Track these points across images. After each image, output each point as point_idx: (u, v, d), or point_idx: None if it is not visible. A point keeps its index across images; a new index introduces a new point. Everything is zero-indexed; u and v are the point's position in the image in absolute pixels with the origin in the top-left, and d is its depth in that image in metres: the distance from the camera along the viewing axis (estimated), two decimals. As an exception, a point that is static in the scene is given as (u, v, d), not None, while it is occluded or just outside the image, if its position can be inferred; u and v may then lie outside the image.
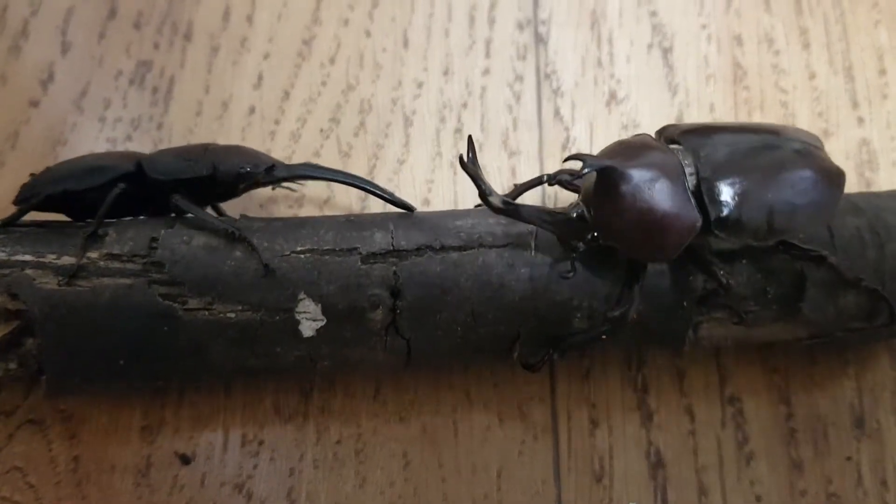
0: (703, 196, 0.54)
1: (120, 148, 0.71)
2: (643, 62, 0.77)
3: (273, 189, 0.66)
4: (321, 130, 0.72)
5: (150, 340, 0.55)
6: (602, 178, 0.54)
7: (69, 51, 0.74)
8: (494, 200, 0.53)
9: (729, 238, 0.55)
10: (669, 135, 0.59)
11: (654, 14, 0.79)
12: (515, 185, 0.63)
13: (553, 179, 0.57)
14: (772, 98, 0.77)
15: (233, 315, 0.55)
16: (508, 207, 0.53)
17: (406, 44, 0.76)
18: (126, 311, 0.54)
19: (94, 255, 0.55)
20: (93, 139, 0.71)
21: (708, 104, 0.76)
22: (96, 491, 0.59)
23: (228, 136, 0.71)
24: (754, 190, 0.55)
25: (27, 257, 0.55)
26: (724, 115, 0.75)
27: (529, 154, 0.73)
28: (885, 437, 0.63)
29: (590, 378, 0.64)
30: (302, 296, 0.55)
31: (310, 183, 0.68)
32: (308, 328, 0.56)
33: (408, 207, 0.61)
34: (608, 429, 0.63)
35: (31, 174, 0.61)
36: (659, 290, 0.57)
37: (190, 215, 0.58)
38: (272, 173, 0.60)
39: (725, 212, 0.54)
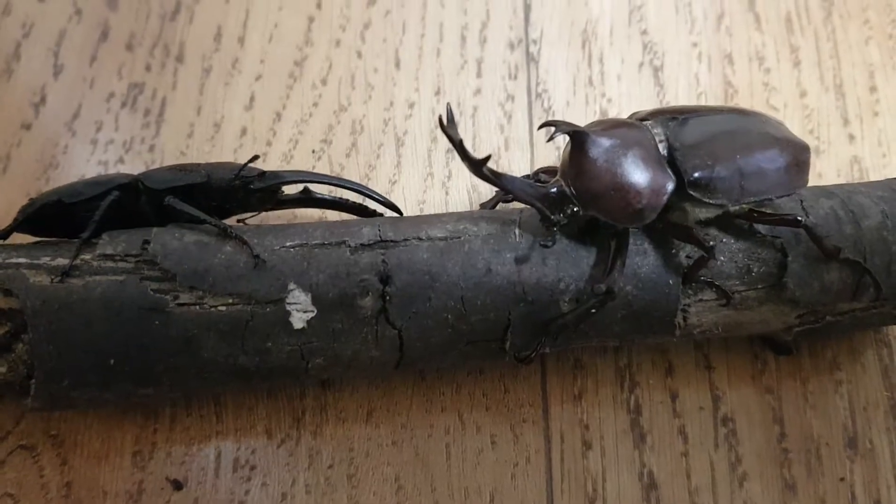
0: (676, 159, 0.57)
1: (112, 170, 0.71)
2: (634, 81, 0.78)
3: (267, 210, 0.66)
4: (313, 151, 0.72)
5: (141, 335, 0.55)
6: (576, 145, 0.56)
7: (61, 73, 0.75)
8: (477, 165, 0.54)
9: (704, 198, 0.57)
10: (638, 116, 0.61)
11: (644, 32, 0.79)
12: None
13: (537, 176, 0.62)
14: (763, 116, 0.77)
15: (223, 308, 0.55)
16: (490, 173, 0.55)
17: (398, 64, 0.77)
18: (118, 304, 0.55)
19: (87, 256, 0.56)
20: (84, 162, 0.71)
21: (699, 122, 0.76)
22: (88, 517, 0.59)
23: (220, 157, 0.71)
24: (723, 153, 0.58)
25: (22, 259, 0.56)
26: (715, 133, 0.76)
27: (521, 174, 0.73)
28: (879, 458, 0.63)
29: (582, 399, 0.64)
30: (292, 286, 0.55)
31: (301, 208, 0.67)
32: (299, 319, 0.56)
33: (396, 210, 0.64)
34: (601, 450, 0.62)
35: (30, 199, 0.61)
36: (644, 269, 0.58)
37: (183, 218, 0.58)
38: (264, 178, 0.61)
39: (698, 173, 0.57)
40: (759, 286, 0.59)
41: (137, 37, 0.76)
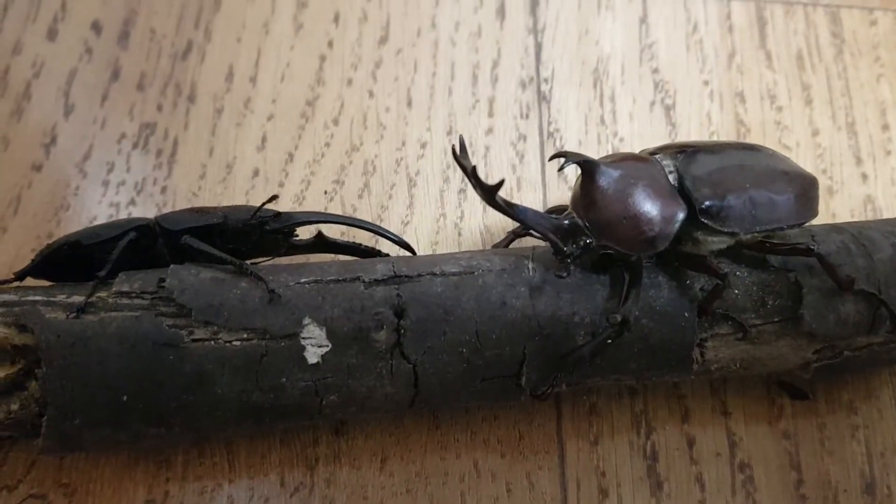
0: (686, 189, 0.57)
1: (123, 212, 0.70)
2: (646, 120, 0.77)
3: (280, 255, 0.65)
4: (325, 192, 0.72)
5: (155, 370, 0.54)
6: (586, 176, 0.57)
7: (72, 113, 0.74)
8: (490, 193, 0.55)
9: (715, 226, 0.57)
10: (648, 151, 0.62)
11: (655, 71, 0.79)
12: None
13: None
14: (775, 155, 0.77)
15: (238, 343, 0.55)
16: (503, 202, 0.55)
17: (409, 103, 0.76)
18: (132, 339, 0.54)
19: (103, 294, 0.56)
20: (96, 203, 0.71)
21: (712, 162, 0.76)
22: (99, 566, 0.58)
23: (233, 199, 0.71)
24: (733, 182, 0.58)
25: (38, 297, 0.56)
26: (728, 172, 0.75)
27: (534, 214, 0.73)
28: (897, 504, 0.63)
29: (598, 445, 0.63)
30: (307, 320, 0.55)
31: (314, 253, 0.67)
32: (313, 354, 0.55)
33: (410, 249, 0.64)
34: (618, 498, 0.62)
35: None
36: (659, 302, 0.58)
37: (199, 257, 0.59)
38: (280, 219, 0.62)
39: (709, 201, 0.57)
40: (776, 319, 0.60)
41: (148, 76, 0.76)
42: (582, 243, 0.56)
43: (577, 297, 0.57)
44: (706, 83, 0.79)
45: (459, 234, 0.72)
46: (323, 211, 0.66)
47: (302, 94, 0.76)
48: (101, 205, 0.71)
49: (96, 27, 0.77)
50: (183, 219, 0.60)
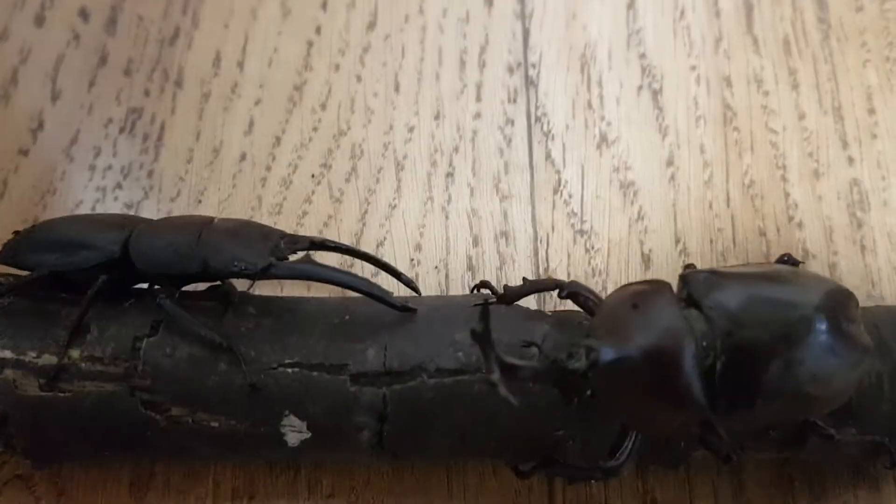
0: (716, 383, 0.49)
1: (109, 196, 0.71)
2: (633, 104, 0.78)
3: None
4: (312, 176, 0.72)
5: (133, 442, 0.55)
6: (605, 366, 0.49)
7: (59, 98, 0.74)
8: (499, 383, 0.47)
9: (735, 423, 0.53)
10: (694, 291, 0.52)
11: (643, 56, 0.80)
12: (525, 280, 0.59)
13: (564, 292, 0.55)
14: (762, 139, 0.77)
15: (216, 424, 0.54)
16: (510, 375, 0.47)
17: (397, 88, 0.77)
18: (108, 417, 0.54)
19: (75, 353, 0.54)
20: (82, 188, 0.71)
21: (698, 145, 0.76)
22: (85, 549, 0.58)
23: (220, 182, 0.71)
24: (772, 384, 0.50)
25: (7, 353, 0.54)
26: (714, 156, 0.75)
27: (521, 197, 0.73)
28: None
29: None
30: (287, 413, 0.54)
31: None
32: (294, 439, 0.55)
33: (415, 289, 0.61)
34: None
35: (15, 232, 0.60)
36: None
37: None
38: (269, 272, 0.55)
39: (737, 407, 0.50)
40: (773, 446, 0.58)
41: (136, 62, 0.76)
42: (586, 395, 0.50)
43: (573, 418, 0.54)
44: (693, 68, 0.79)
45: (447, 218, 0.72)
46: (322, 265, 0.59)
47: (289, 79, 0.76)
48: (87, 189, 0.71)
49: (83, 14, 0.78)
50: (158, 260, 0.55)
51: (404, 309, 0.56)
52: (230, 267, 0.54)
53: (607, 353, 0.48)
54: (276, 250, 0.55)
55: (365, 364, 0.54)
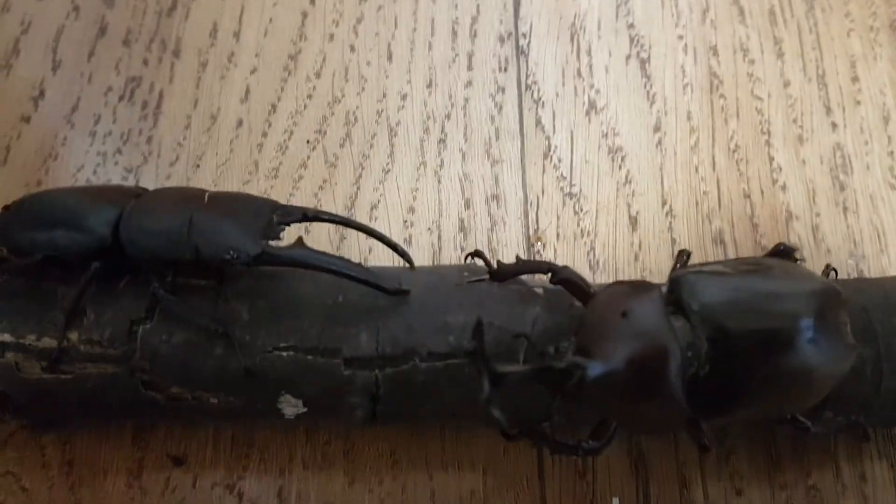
0: (699, 390, 0.51)
1: (110, 161, 0.72)
2: (621, 73, 0.79)
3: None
4: (307, 142, 0.74)
5: (135, 415, 0.59)
6: (592, 374, 0.50)
7: (59, 68, 0.76)
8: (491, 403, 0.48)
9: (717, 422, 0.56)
10: (681, 297, 0.53)
11: (631, 26, 0.81)
12: (518, 258, 0.59)
13: (556, 278, 0.56)
14: (747, 105, 0.79)
15: (216, 401, 0.56)
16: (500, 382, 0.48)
17: (390, 57, 0.78)
18: (110, 396, 0.56)
19: (73, 336, 0.55)
20: (83, 153, 0.72)
21: (685, 112, 0.78)
22: (89, 493, 0.60)
23: (217, 148, 0.73)
24: (754, 392, 0.52)
25: (7, 337, 0.55)
26: (700, 122, 0.77)
27: (512, 162, 0.75)
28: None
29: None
30: (283, 393, 0.56)
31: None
32: (290, 412, 0.57)
33: (409, 261, 0.60)
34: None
35: (4, 207, 0.59)
36: None
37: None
38: (261, 259, 0.55)
39: (720, 412, 0.53)
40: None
41: (134, 33, 0.78)
42: (572, 392, 0.50)
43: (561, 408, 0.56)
44: (680, 37, 0.81)
45: (439, 182, 0.73)
46: (315, 251, 0.57)
47: (284, 49, 0.78)
48: (88, 154, 0.73)
49: (83, -14, 0.79)
50: (150, 246, 0.55)
51: (397, 293, 0.56)
52: (222, 255, 0.54)
53: (594, 369, 0.49)
54: (269, 230, 0.56)
55: (358, 349, 0.55)
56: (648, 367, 0.50)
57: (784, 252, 0.61)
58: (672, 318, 0.52)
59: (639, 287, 0.54)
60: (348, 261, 0.57)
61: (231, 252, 0.54)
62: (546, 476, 0.62)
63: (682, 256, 0.61)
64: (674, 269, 0.60)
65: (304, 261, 0.56)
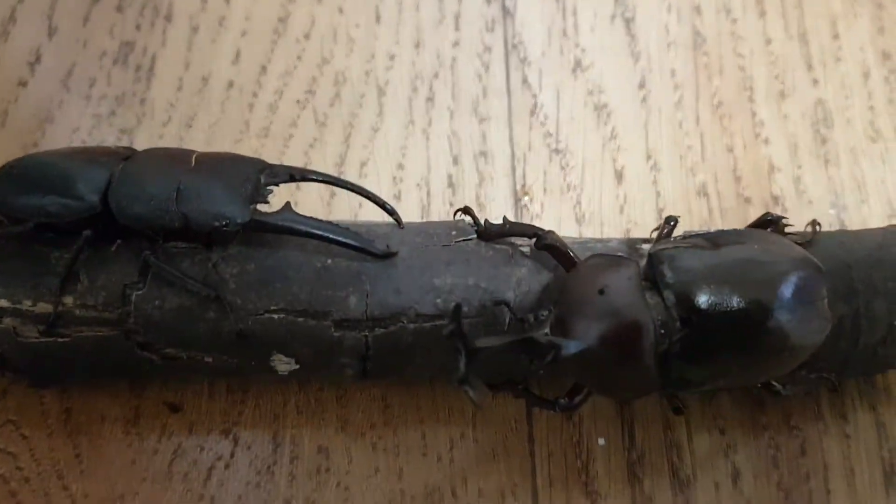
0: (669, 368, 0.53)
1: (105, 123, 0.74)
2: (606, 32, 0.81)
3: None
4: (298, 101, 0.75)
5: (132, 373, 0.60)
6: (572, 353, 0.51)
7: (55, 34, 0.78)
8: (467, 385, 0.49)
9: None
10: (657, 274, 0.54)
11: (616, -14, 0.83)
12: (505, 220, 0.60)
13: (541, 244, 0.57)
14: (730, 63, 0.80)
15: (210, 360, 0.57)
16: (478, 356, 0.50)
17: (378, 19, 0.80)
18: (107, 357, 0.57)
19: (68, 301, 0.56)
20: (79, 115, 0.74)
21: (669, 70, 0.79)
22: (86, 440, 0.61)
23: (209, 108, 0.74)
24: (725, 367, 0.55)
25: (4, 302, 0.56)
26: (684, 79, 0.79)
27: (499, 119, 0.76)
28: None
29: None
30: (275, 352, 0.57)
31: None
32: (283, 369, 0.58)
33: (397, 218, 0.60)
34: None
35: None
36: None
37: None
38: (250, 226, 0.56)
39: (690, 385, 0.55)
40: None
41: (127, -1, 0.79)
42: (548, 361, 0.51)
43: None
44: (664, -3, 0.83)
45: (427, 139, 0.75)
46: (304, 216, 0.57)
47: (274, 12, 0.79)
48: (83, 117, 0.74)
49: (77, -46, 0.81)
50: (139, 214, 0.55)
51: (385, 256, 0.57)
52: (211, 223, 0.55)
53: (569, 348, 0.50)
54: (256, 193, 0.56)
55: (347, 311, 0.56)
56: (622, 346, 0.52)
57: (771, 222, 0.61)
58: (648, 295, 0.53)
59: (617, 263, 0.55)
60: (336, 225, 0.57)
61: (220, 220, 0.55)
62: (534, 418, 0.63)
63: (669, 223, 0.61)
64: (659, 235, 0.61)
65: (293, 227, 0.57)
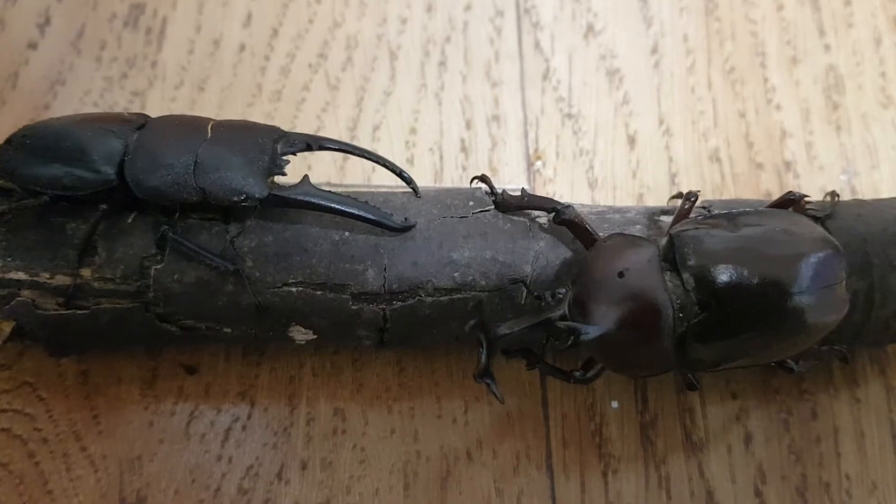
0: (686, 349, 0.53)
1: (116, 85, 0.73)
2: (619, -4, 0.81)
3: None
4: (310, 65, 0.75)
5: (151, 343, 0.61)
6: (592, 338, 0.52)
7: (63, -5, 0.77)
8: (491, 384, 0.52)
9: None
10: (678, 256, 0.54)
11: (628, -49, 0.82)
12: (524, 192, 0.59)
13: (559, 219, 0.57)
14: (742, 29, 0.80)
15: (228, 330, 0.58)
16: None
17: (390, -17, 0.79)
18: (125, 329, 0.57)
19: (86, 273, 0.56)
20: (90, 78, 0.73)
21: (682, 35, 0.79)
22: (104, 402, 0.62)
23: (221, 72, 0.74)
24: (741, 353, 0.55)
25: (21, 275, 0.56)
26: (697, 45, 0.79)
27: (511, 83, 0.76)
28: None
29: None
30: (294, 323, 0.57)
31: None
32: (301, 339, 0.59)
33: (413, 186, 0.60)
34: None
35: (6, 140, 0.58)
36: None
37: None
38: (268, 201, 0.55)
39: (705, 365, 0.55)
40: None
41: (137, -40, 0.79)
42: (568, 344, 0.52)
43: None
44: (676, -38, 0.82)
45: (440, 104, 0.75)
46: (321, 190, 0.57)
47: (286, -25, 0.79)
48: (94, 79, 0.73)
49: (85, -85, 0.80)
50: (156, 189, 0.54)
51: (404, 229, 0.57)
52: (230, 198, 0.54)
53: (589, 333, 0.51)
54: (274, 165, 0.56)
55: (365, 285, 0.56)
56: (640, 331, 0.52)
57: (792, 201, 0.60)
58: (667, 277, 0.53)
59: (637, 244, 0.55)
60: (354, 199, 0.57)
61: (238, 196, 0.54)
62: (547, 381, 0.64)
63: (690, 199, 0.59)
64: (679, 213, 0.59)
65: (311, 201, 0.56)
